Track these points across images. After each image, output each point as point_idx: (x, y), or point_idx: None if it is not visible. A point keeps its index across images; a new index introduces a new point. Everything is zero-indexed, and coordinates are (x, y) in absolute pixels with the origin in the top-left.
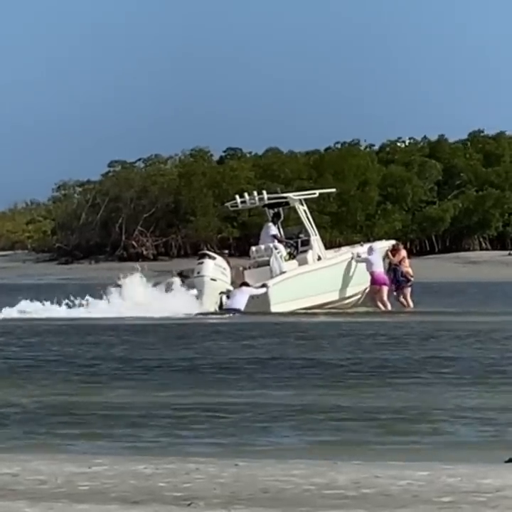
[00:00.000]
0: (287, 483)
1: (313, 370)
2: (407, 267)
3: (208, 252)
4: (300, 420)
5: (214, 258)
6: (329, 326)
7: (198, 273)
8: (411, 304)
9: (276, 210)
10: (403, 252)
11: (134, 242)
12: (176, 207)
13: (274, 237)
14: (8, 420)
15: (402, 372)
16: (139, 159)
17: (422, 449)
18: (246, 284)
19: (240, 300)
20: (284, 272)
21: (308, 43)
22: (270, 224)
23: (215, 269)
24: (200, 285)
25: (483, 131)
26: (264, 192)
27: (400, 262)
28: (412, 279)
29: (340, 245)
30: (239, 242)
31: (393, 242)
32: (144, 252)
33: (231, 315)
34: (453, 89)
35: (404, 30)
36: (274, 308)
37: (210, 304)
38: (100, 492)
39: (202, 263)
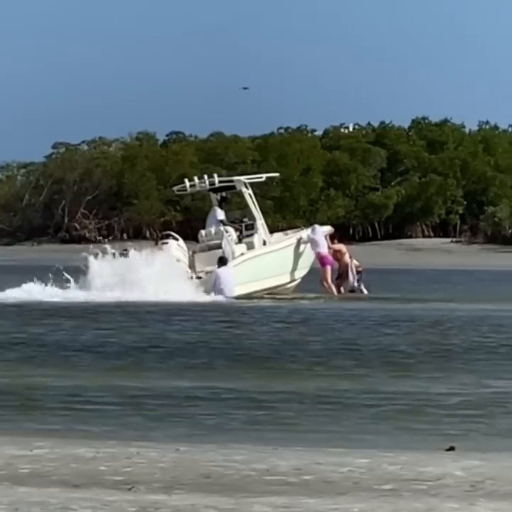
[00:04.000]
0: (228, 468)
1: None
2: (354, 260)
3: (172, 233)
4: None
5: (177, 239)
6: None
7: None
8: (365, 291)
9: (223, 194)
10: (342, 247)
11: (76, 225)
12: (119, 190)
13: (222, 221)
14: None
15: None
16: (83, 141)
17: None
18: (224, 261)
19: (229, 282)
20: (241, 254)
21: (265, 26)
22: (217, 208)
23: (178, 250)
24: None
25: (427, 119)
26: (215, 175)
27: (345, 263)
28: (361, 270)
29: (282, 230)
30: (181, 226)
31: (331, 228)
32: (87, 235)
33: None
34: (397, 76)
35: (363, 16)
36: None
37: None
38: (41, 475)
39: (166, 243)
